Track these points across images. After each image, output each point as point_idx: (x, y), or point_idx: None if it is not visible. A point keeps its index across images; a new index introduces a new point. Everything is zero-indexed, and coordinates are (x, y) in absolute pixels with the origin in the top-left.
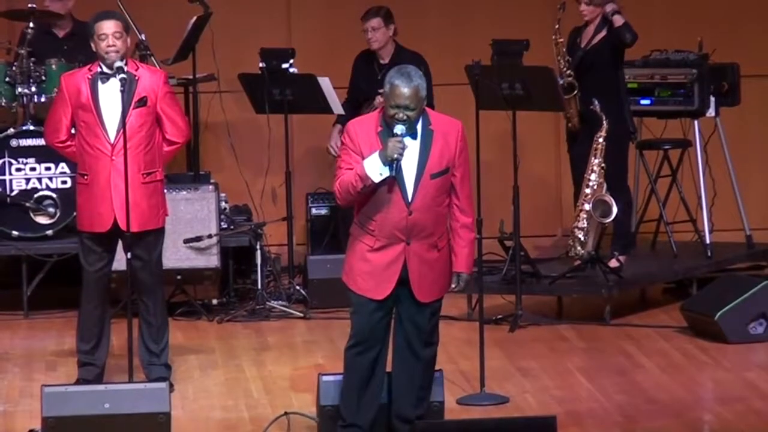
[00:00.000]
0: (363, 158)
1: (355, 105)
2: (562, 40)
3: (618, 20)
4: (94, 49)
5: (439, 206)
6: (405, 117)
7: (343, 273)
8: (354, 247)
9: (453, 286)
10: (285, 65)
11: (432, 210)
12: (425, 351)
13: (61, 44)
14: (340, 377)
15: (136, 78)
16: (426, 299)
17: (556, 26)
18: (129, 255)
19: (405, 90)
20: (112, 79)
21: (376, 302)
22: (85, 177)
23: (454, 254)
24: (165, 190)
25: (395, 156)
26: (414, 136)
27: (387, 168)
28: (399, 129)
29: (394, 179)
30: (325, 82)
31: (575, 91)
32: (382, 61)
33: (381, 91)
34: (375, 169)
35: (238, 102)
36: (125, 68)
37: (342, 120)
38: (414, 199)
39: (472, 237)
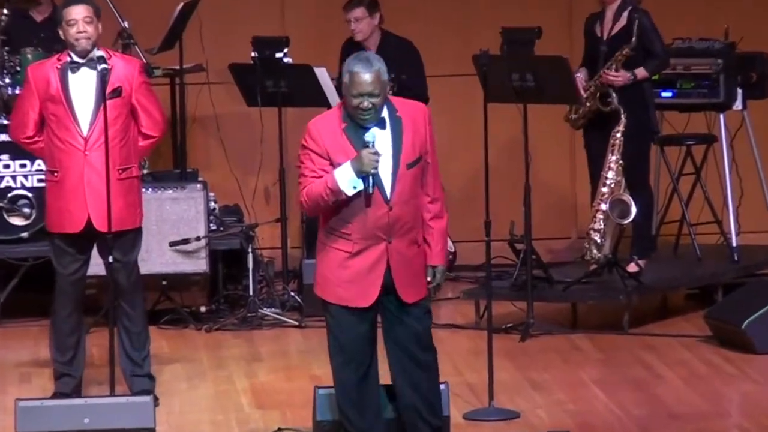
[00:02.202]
0: (330, 161)
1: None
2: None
3: (641, 74)
4: (62, 36)
5: (416, 198)
6: (370, 105)
7: (315, 286)
8: (327, 255)
9: (428, 279)
10: (279, 55)
11: (410, 203)
12: (425, 355)
13: (39, 31)
14: None
15: (110, 67)
16: (411, 299)
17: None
18: (111, 258)
19: (366, 76)
20: (83, 69)
21: (359, 314)
22: (55, 174)
23: (427, 247)
24: (149, 190)
25: (371, 170)
26: (383, 126)
27: (360, 181)
28: (370, 136)
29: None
30: (321, 73)
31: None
32: (370, 50)
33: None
34: (347, 182)
35: (228, 94)
36: (104, 57)
37: None
38: (393, 192)
39: (444, 225)
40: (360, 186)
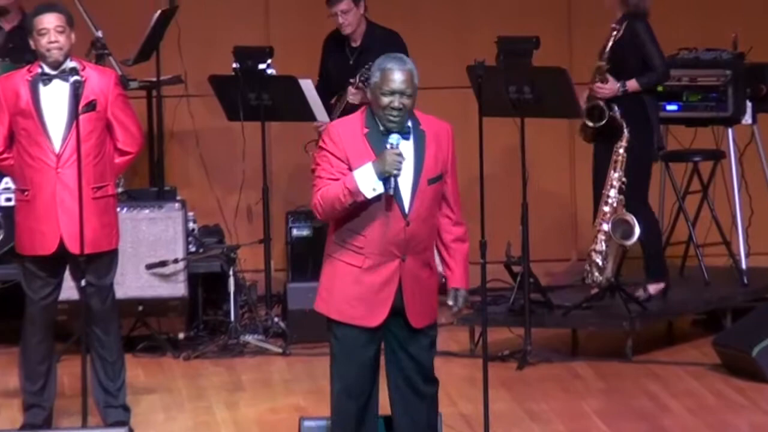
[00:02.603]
0: (349, 165)
1: (326, 92)
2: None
3: (632, 86)
4: (33, 47)
5: (434, 217)
6: (401, 105)
7: (318, 301)
8: (335, 269)
9: (450, 303)
10: (262, 66)
11: (428, 221)
12: (427, 387)
13: (7, 40)
14: (324, 422)
15: (83, 79)
16: (419, 324)
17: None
18: (83, 282)
19: (399, 74)
20: (55, 81)
21: (365, 336)
22: (26, 193)
23: (448, 269)
24: (124, 209)
25: (393, 171)
26: (406, 137)
27: (381, 183)
28: (394, 138)
29: (392, 188)
30: (307, 85)
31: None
32: (353, 44)
33: (352, 80)
34: (368, 184)
35: (208, 107)
36: (77, 68)
37: None
38: (411, 207)
39: (467, 248)
40: (380, 189)
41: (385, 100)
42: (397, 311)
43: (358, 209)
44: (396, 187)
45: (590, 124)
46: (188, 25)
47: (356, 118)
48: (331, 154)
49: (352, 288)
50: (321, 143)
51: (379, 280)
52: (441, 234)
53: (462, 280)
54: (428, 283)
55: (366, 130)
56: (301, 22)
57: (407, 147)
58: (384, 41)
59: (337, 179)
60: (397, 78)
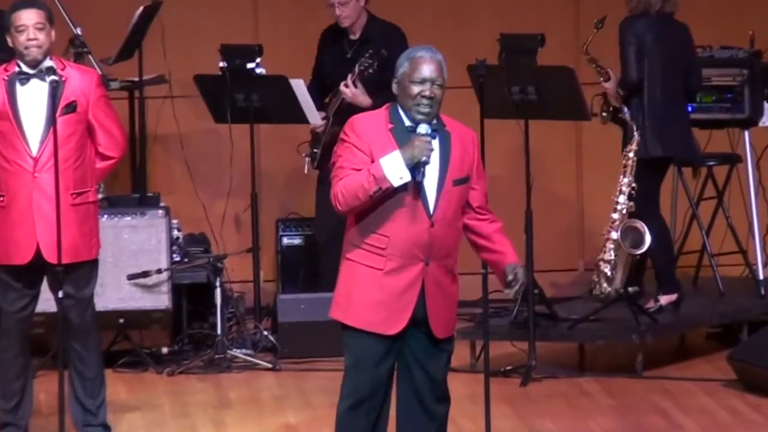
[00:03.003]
0: (372, 159)
1: (320, 90)
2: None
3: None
4: (11, 44)
5: (458, 221)
6: (432, 94)
7: (333, 307)
8: (354, 273)
9: (510, 278)
10: (250, 65)
11: (453, 225)
12: (439, 407)
13: None
14: None
15: (63, 79)
16: (442, 334)
17: (586, 44)
18: (61, 293)
19: (431, 62)
20: (33, 80)
21: (383, 345)
22: (1, 199)
23: (496, 254)
24: (105, 216)
25: (423, 158)
26: (433, 135)
27: (409, 171)
28: (424, 128)
29: (416, 185)
30: (298, 85)
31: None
32: (352, 37)
33: (351, 76)
34: (395, 171)
35: (193, 109)
36: (54, 68)
37: None
38: (436, 208)
39: (502, 227)
40: (407, 177)
41: (416, 89)
42: (417, 321)
43: (380, 207)
44: (421, 187)
45: (605, 114)
46: (172, 22)
47: (381, 114)
48: (354, 146)
49: (372, 293)
50: (343, 135)
51: (401, 284)
52: (480, 230)
53: (514, 255)
54: (451, 291)
55: (391, 126)
56: (291, 18)
57: (433, 146)
58: (384, 34)
59: (360, 170)
60: (429, 65)
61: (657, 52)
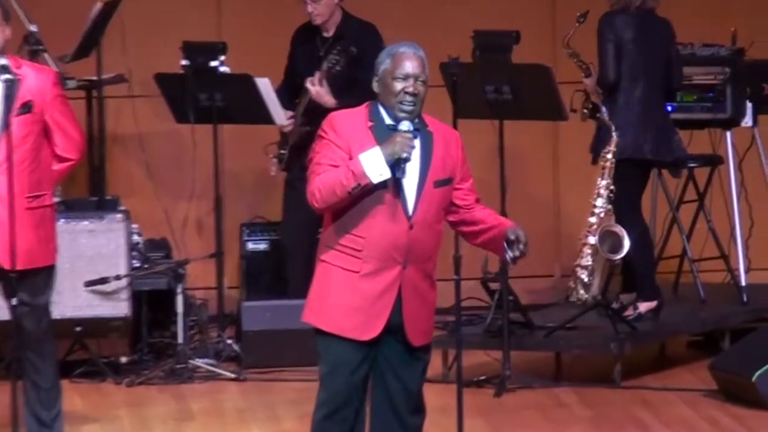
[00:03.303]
0: (350, 157)
1: (291, 90)
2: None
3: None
4: None
5: (439, 224)
6: (416, 91)
7: (306, 311)
8: (329, 275)
9: (512, 238)
10: (214, 63)
11: (433, 228)
12: (413, 419)
13: None
14: None
15: (19, 78)
16: (418, 341)
17: (567, 37)
18: (15, 300)
19: (413, 58)
20: None
21: (359, 352)
22: None
23: (492, 229)
24: (61, 221)
25: (404, 155)
26: (415, 134)
27: (389, 168)
28: (406, 125)
29: (395, 185)
30: (264, 84)
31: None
32: (325, 34)
33: (319, 72)
34: (375, 168)
35: (154, 109)
36: (8, 66)
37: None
38: (416, 210)
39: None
40: (387, 174)
41: (399, 85)
42: (393, 328)
43: (357, 208)
44: (400, 187)
45: (585, 111)
46: (132, 18)
47: (360, 111)
48: (332, 143)
49: (347, 297)
50: (321, 132)
51: (377, 288)
52: (473, 218)
53: (509, 222)
54: (429, 297)
55: (371, 123)
56: (256, 15)
57: (415, 144)
58: (359, 33)
59: (338, 167)
60: (411, 61)
61: (637, 49)
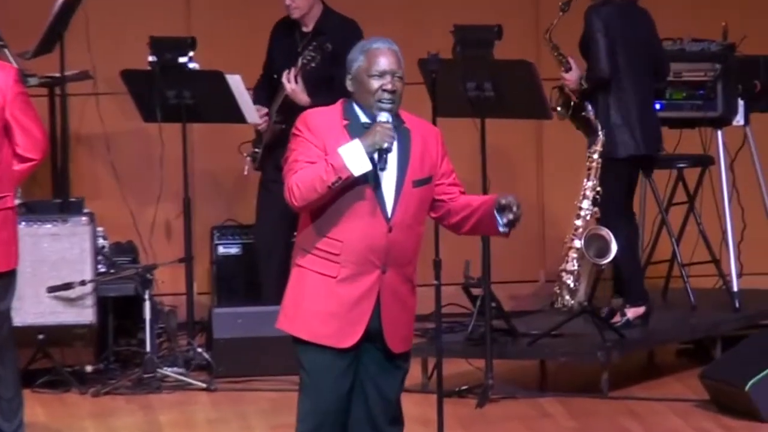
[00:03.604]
0: (327, 155)
1: (269, 86)
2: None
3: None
4: None
5: (419, 226)
6: (394, 87)
7: (281, 318)
8: (305, 279)
9: (503, 202)
10: (183, 59)
11: (413, 229)
12: (392, 429)
13: None
14: None
15: None
16: (398, 348)
17: (549, 29)
18: None
19: (389, 53)
20: None
21: (343, 362)
22: None
23: (480, 207)
24: (23, 224)
25: (385, 145)
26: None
27: (369, 160)
28: (384, 116)
29: (372, 185)
30: (235, 82)
31: (569, 111)
32: (304, 29)
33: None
34: (356, 160)
35: (120, 107)
36: None
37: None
38: (395, 211)
39: None
40: (368, 167)
41: (375, 83)
42: (372, 335)
43: (334, 209)
44: (378, 188)
45: (559, 109)
46: (97, 12)
47: (334, 110)
48: (308, 140)
49: (324, 302)
50: (295, 131)
51: (355, 294)
52: (458, 205)
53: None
54: (409, 303)
55: (346, 122)
56: (227, 9)
57: (395, 134)
58: (339, 28)
59: (316, 163)
60: (387, 57)
61: (625, 42)
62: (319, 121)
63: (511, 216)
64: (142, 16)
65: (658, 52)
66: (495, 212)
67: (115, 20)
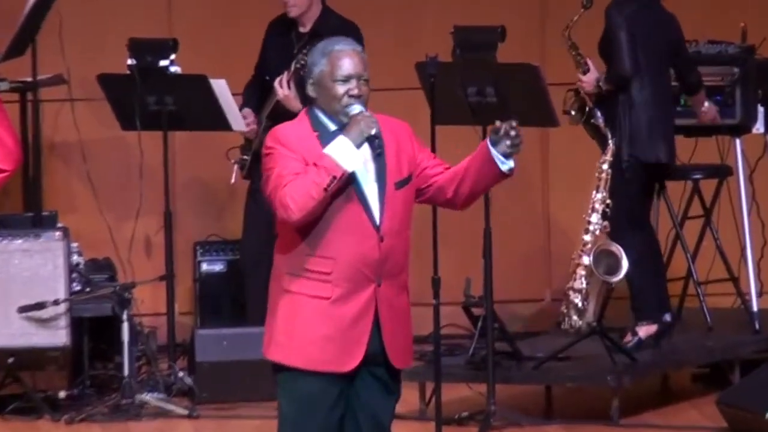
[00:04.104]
0: (307, 166)
1: (261, 88)
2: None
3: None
4: None
5: (408, 229)
6: (361, 92)
7: (272, 347)
8: (297, 305)
9: (494, 136)
10: (164, 62)
11: (403, 234)
12: None
13: None
14: None
15: None
16: (402, 364)
17: (569, 26)
18: None
19: (353, 55)
20: None
21: (336, 389)
22: None
23: (468, 165)
24: None
25: (372, 131)
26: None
27: (360, 153)
28: (357, 108)
29: (355, 195)
30: (220, 87)
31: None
32: (302, 29)
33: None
34: (347, 155)
35: (97, 114)
36: None
37: None
38: (383, 218)
39: None
40: (360, 161)
41: (341, 88)
42: (371, 355)
43: (319, 226)
44: (361, 196)
45: (573, 113)
46: (72, 13)
47: (301, 122)
48: (286, 156)
49: (320, 326)
50: (267, 150)
51: (351, 313)
52: (446, 175)
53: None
54: (407, 313)
55: (316, 133)
56: (211, 9)
57: (363, 150)
58: (337, 30)
59: (299, 173)
60: (351, 59)
61: (647, 42)
62: (290, 135)
63: (508, 141)
64: (120, 17)
65: (682, 56)
66: (489, 150)
67: (91, 21)
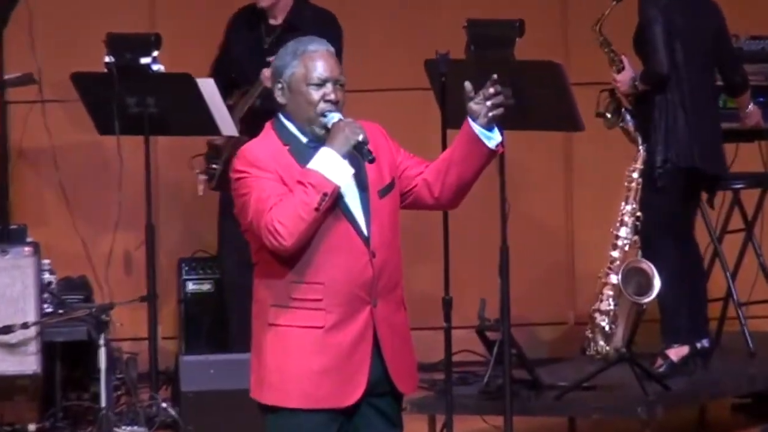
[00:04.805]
0: (286, 185)
1: (222, 88)
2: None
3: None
4: None
5: (397, 239)
6: (337, 98)
7: (264, 389)
8: (287, 340)
9: (470, 96)
10: (145, 60)
11: (393, 245)
12: None
13: None
14: None
15: None
16: (408, 389)
17: (600, 21)
18: None
19: (328, 58)
20: None
21: (336, 420)
22: None
23: (452, 152)
24: None
25: (359, 137)
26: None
27: (347, 162)
28: (336, 116)
29: (340, 211)
30: (207, 86)
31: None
32: (272, 21)
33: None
34: (334, 168)
35: (71, 117)
36: None
37: None
38: (371, 232)
39: None
40: (350, 172)
41: (316, 94)
42: (373, 383)
43: (305, 251)
44: (346, 211)
45: (608, 116)
46: (43, 7)
47: (269, 137)
48: (261, 177)
49: (316, 359)
50: (238, 174)
51: (348, 340)
52: (431, 168)
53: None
54: (407, 331)
55: (287, 146)
56: (197, 6)
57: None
58: (313, 22)
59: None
60: (326, 61)
61: (686, 36)
62: (260, 153)
63: (488, 102)
64: (96, 10)
65: (725, 50)
66: (472, 128)
67: (64, 15)
